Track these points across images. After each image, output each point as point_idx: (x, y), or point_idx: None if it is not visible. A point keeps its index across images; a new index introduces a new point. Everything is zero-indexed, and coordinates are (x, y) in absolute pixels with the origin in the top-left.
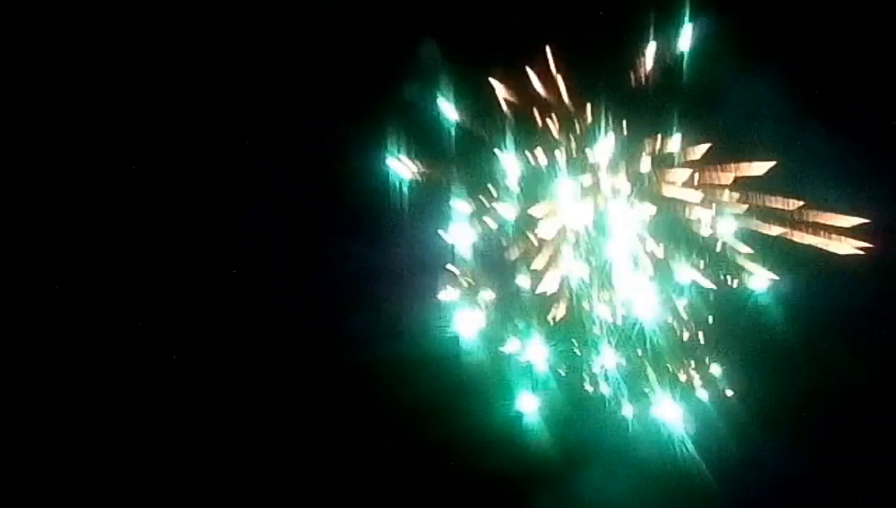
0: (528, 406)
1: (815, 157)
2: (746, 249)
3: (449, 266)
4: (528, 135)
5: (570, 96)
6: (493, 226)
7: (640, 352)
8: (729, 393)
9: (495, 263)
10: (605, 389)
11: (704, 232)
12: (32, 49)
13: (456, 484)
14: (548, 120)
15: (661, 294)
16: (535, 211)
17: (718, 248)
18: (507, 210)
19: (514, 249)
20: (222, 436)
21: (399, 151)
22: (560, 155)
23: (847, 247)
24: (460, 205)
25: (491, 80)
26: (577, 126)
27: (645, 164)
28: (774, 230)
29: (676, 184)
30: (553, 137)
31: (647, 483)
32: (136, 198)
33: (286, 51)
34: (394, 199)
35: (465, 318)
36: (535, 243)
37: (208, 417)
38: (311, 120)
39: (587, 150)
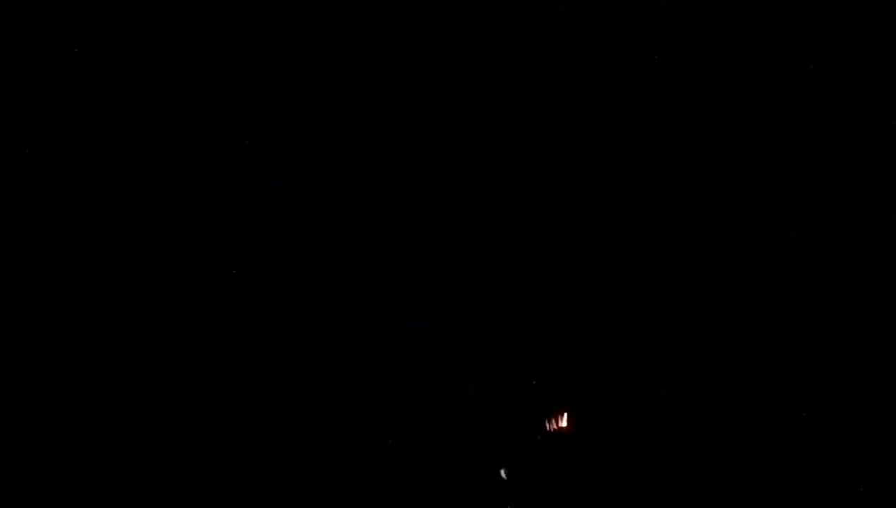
0: None
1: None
2: None
3: None
4: None
5: None
6: None
7: None
8: None
9: None
10: None
11: None
12: (32, 48)
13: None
14: None
15: None
16: None
17: None
18: None
19: None
20: (220, 436)
21: None
22: None
23: None
24: None
25: None
26: None
27: None
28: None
29: None
30: None
31: None
32: (133, 196)
33: (287, 50)
34: None
35: None
36: None
37: (207, 417)
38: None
39: None
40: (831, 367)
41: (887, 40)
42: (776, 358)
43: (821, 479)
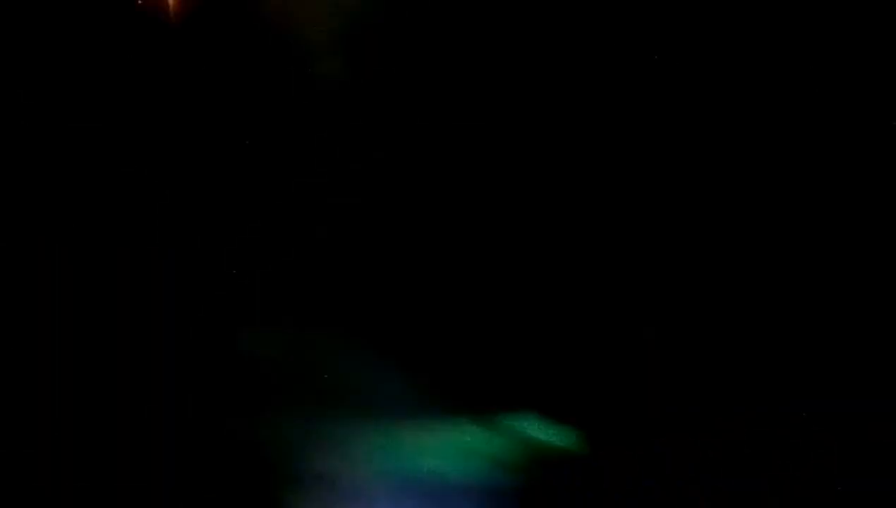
0: None
1: None
2: None
3: None
4: None
5: None
6: None
7: None
8: None
9: None
10: None
11: None
12: (32, 48)
13: None
14: None
15: None
16: None
17: None
18: None
19: None
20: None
21: None
22: None
23: None
24: None
25: None
26: None
27: None
28: None
29: None
30: None
31: None
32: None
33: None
34: None
35: None
36: None
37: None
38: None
39: None
40: (832, 367)
41: (886, 40)
42: (776, 358)
43: (821, 479)
